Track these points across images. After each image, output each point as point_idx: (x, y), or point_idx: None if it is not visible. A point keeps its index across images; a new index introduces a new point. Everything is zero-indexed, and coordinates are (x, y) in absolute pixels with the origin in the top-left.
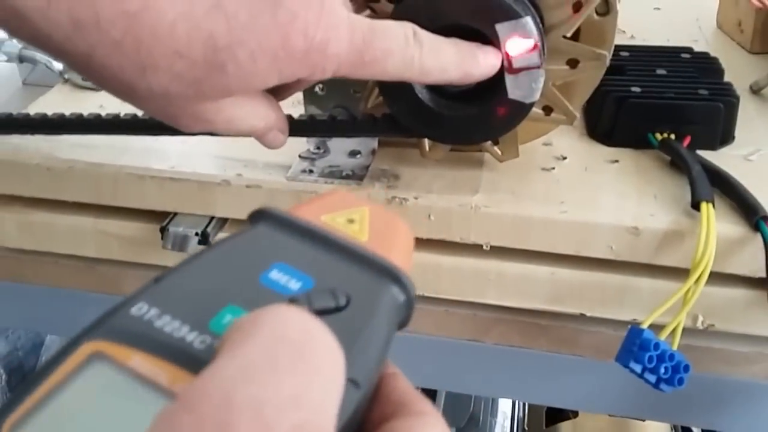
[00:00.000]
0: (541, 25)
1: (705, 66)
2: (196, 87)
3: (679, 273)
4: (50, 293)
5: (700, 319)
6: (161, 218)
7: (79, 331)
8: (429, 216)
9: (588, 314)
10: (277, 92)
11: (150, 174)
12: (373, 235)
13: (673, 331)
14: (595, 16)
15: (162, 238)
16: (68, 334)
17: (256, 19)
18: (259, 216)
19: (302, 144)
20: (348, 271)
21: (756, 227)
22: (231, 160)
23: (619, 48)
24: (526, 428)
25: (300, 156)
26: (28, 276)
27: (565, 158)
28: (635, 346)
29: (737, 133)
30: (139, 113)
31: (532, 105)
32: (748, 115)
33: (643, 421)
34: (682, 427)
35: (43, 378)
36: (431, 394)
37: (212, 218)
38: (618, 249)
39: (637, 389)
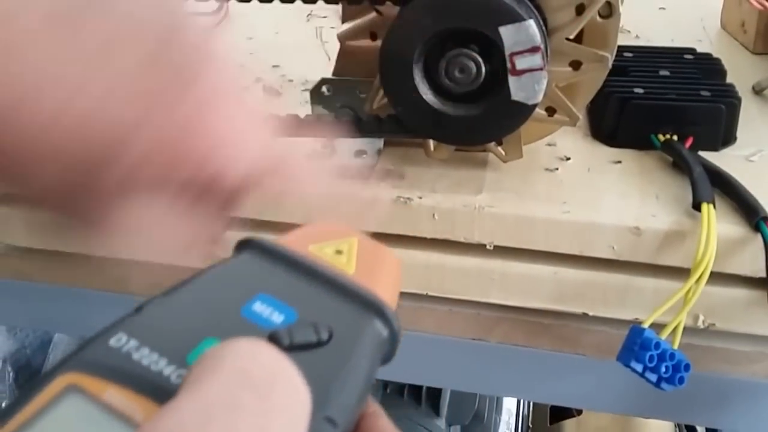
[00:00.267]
0: (544, 28)
1: (708, 67)
2: (83, 183)
3: (681, 273)
4: (58, 292)
5: (701, 318)
6: None
7: (57, 362)
8: (433, 215)
9: (590, 313)
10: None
11: None
12: (360, 267)
13: (674, 330)
14: (598, 19)
15: None
16: (76, 333)
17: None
18: (244, 245)
19: (308, 143)
20: (332, 304)
21: (756, 228)
22: None
23: (622, 49)
24: (531, 426)
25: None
26: (36, 275)
27: (568, 159)
28: (636, 345)
29: (739, 133)
30: None
31: (535, 106)
32: (750, 115)
33: (646, 419)
34: (686, 426)
35: (18, 409)
36: (436, 392)
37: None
38: (620, 249)
39: (639, 388)
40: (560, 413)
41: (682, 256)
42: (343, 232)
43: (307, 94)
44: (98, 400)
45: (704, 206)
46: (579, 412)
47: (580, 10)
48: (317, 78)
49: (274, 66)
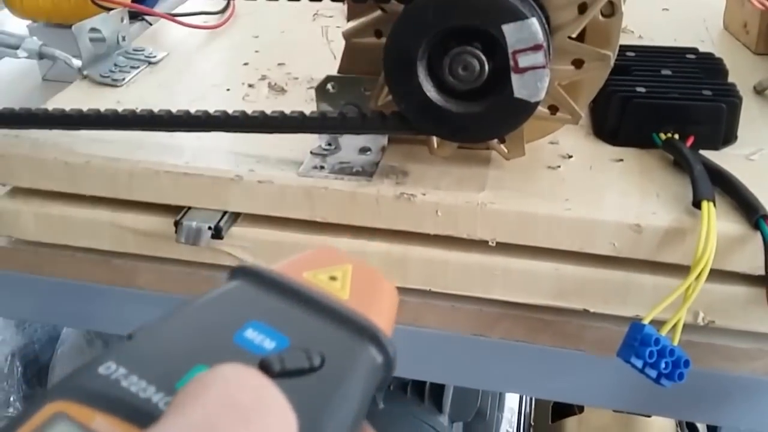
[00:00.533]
0: (546, 26)
1: (709, 66)
2: None
3: (681, 270)
4: (66, 286)
5: (701, 315)
6: (175, 212)
7: (47, 390)
8: (436, 212)
9: (591, 310)
10: None
11: (165, 169)
12: (355, 293)
13: (674, 326)
14: (600, 18)
15: (176, 232)
16: (83, 327)
17: None
18: (239, 272)
19: (314, 140)
20: (325, 330)
21: (756, 226)
22: (244, 156)
23: (624, 48)
24: (533, 423)
25: (311, 152)
26: (45, 269)
27: (570, 157)
28: (636, 341)
29: (740, 133)
30: (155, 109)
31: (537, 104)
32: (751, 115)
33: (648, 417)
34: (687, 424)
35: None
36: (438, 388)
37: (225, 213)
38: (620, 246)
39: (639, 385)
40: (562, 411)
41: (683, 253)
42: (338, 257)
43: (313, 92)
44: (86, 428)
45: (704, 204)
46: (581, 410)
47: (582, 8)
48: (322, 76)
49: (279, 64)
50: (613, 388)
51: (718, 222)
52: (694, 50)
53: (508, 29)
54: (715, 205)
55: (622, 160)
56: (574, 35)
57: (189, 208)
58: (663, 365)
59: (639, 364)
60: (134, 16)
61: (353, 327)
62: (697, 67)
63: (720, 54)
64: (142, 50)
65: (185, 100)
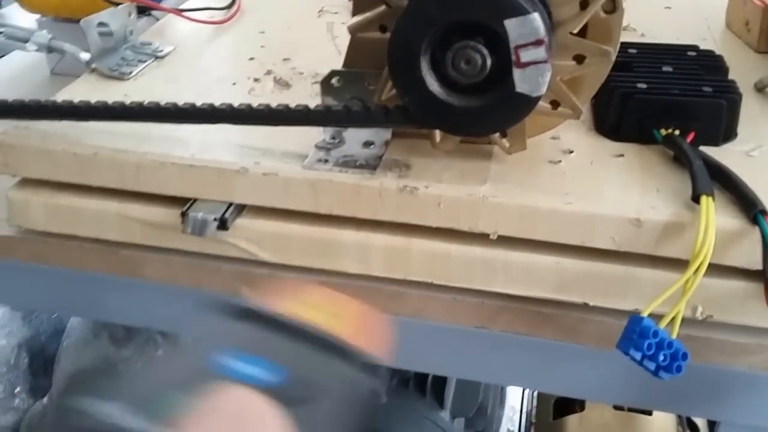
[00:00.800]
0: (548, 22)
1: (710, 64)
2: None
3: (680, 264)
4: (74, 276)
5: (700, 309)
6: (182, 204)
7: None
8: (439, 204)
9: (591, 303)
10: None
11: (171, 161)
12: (349, 326)
13: (673, 320)
14: (602, 14)
15: (182, 223)
16: (89, 316)
17: None
18: (237, 311)
19: (318, 134)
20: (318, 362)
21: (754, 220)
22: (249, 149)
23: (626, 45)
24: (534, 421)
25: (316, 146)
26: (53, 259)
27: (571, 152)
28: (635, 333)
29: (740, 129)
30: (163, 101)
31: (538, 98)
32: (752, 112)
33: (648, 415)
34: (688, 422)
35: None
36: (440, 383)
37: (230, 204)
38: (620, 240)
39: (638, 378)
40: (564, 409)
41: (682, 247)
42: (333, 295)
43: (317, 87)
44: None
45: (703, 198)
46: (582, 408)
47: (584, 5)
48: (327, 71)
49: (285, 59)
50: (611, 383)
51: (716, 217)
52: (694, 48)
53: (510, 24)
54: (714, 199)
55: (622, 155)
56: (575, 31)
57: (195, 199)
58: (661, 358)
59: (638, 356)
60: (141, 11)
61: (345, 358)
62: (697, 64)
63: (722, 52)
64: (149, 44)
65: (192, 94)
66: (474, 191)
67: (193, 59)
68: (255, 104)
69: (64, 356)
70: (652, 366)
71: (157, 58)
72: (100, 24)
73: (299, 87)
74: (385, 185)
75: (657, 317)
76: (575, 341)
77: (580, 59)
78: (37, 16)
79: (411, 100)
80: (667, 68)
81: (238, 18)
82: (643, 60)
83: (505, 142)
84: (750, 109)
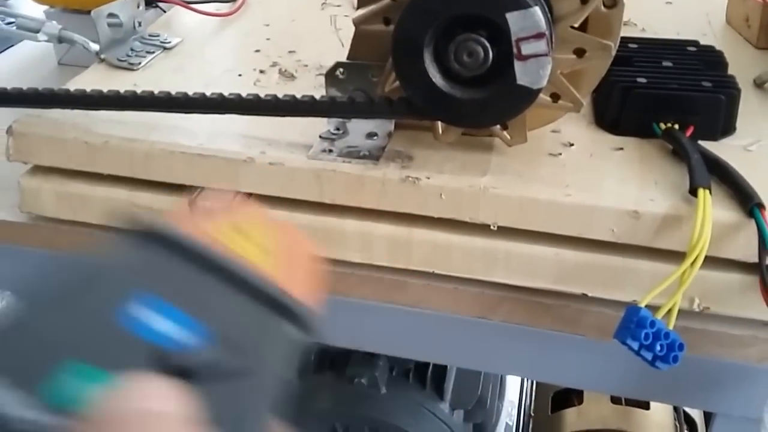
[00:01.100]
0: (549, 15)
1: (710, 59)
2: None
3: (677, 256)
4: None
5: (696, 301)
6: (189, 192)
7: None
8: (440, 195)
9: (590, 294)
10: None
11: (180, 150)
12: (275, 259)
13: (669, 311)
14: (603, 9)
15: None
16: None
17: None
18: (144, 236)
19: (323, 125)
20: (237, 309)
21: (751, 214)
22: (255, 139)
23: (627, 40)
24: (533, 414)
25: (320, 136)
26: (64, 245)
27: (572, 145)
28: (632, 323)
29: (739, 124)
30: (173, 91)
31: (539, 91)
32: (750, 107)
33: (646, 409)
34: (684, 414)
35: None
36: (440, 375)
37: (237, 193)
38: (619, 232)
39: (636, 369)
40: (562, 402)
41: (679, 239)
42: (261, 218)
43: (322, 79)
44: None
45: (700, 191)
46: (580, 401)
47: None
48: (331, 63)
49: (290, 51)
50: (609, 373)
51: (713, 209)
52: (694, 43)
53: (511, 17)
54: (711, 192)
55: (622, 148)
56: (576, 25)
57: (202, 188)
58: (658, 348)
59: (635, 345)
60: (149, 3)
61: (270, 303)
62: (697, 59)
63: (722, 48)
64: (157, 36)
65: (199, 85)
66: (475, 182)
67: (200, 51)
68: (262, 95)
69: None
70: (649, 356)
71: (164, 49)
72: (110, 15)
73: (304, 79)
74: (388, 175)
75: (654, 309)
76: (574, 331)
77: (580, 53)
78: (45, 7)
79: (414, 92)
80: (667, 63)
81: (244, 10)
82: (643, 55)
83: (506, 134)
84: (749, 104)
